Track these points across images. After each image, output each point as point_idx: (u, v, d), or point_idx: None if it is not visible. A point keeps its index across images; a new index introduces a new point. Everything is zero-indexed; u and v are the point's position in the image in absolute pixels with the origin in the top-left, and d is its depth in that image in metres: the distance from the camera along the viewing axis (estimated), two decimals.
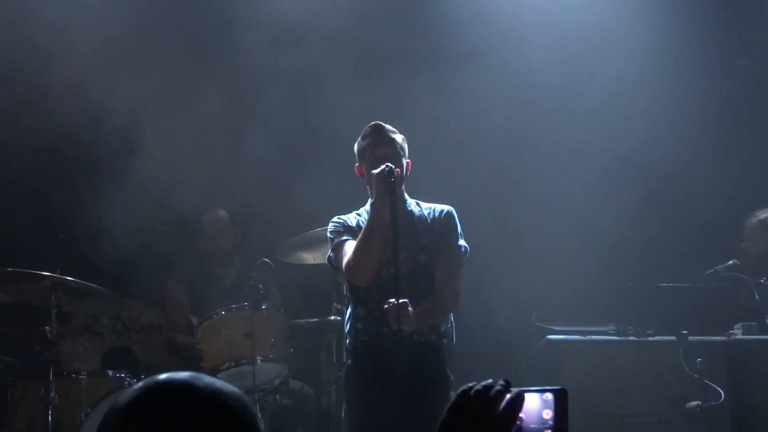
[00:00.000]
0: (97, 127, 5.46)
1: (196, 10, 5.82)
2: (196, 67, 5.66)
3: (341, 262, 3.98)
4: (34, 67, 5.19)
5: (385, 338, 3.89)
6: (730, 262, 5.52)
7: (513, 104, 5.89)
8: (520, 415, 1.55)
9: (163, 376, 1.45)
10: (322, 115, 5.62)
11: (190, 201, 5.59)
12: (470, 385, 1.57)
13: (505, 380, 1.57)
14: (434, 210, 4.14)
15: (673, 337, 5.00)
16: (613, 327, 5.19)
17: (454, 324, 4.11)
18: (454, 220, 4.11)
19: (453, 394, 3.85)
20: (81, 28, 5.10)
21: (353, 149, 4.11)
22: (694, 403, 4.87)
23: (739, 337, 5.12)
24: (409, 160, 4.08)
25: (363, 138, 4.05)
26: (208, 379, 1.44)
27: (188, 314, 5.49)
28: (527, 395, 1.57)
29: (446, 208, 4.14)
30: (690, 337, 4.99)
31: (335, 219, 4.15)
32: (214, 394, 1.42)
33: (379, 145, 3.97)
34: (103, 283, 4.94)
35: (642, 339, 5.11)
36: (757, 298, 5.34)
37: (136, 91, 5.32)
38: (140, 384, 1.44)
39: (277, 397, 5.12)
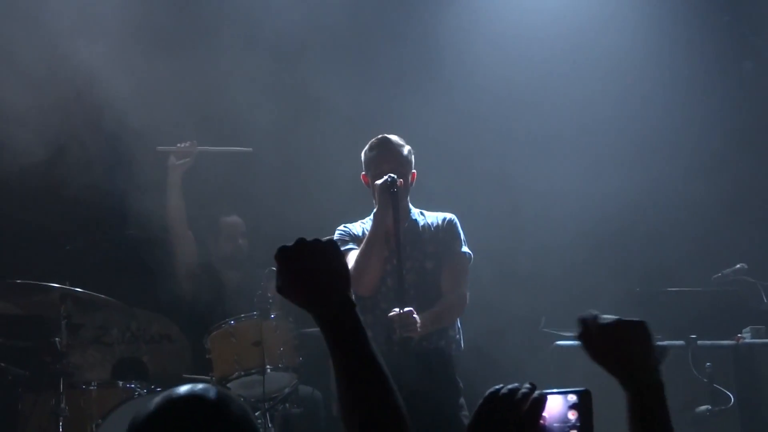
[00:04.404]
0: (100, 133, 5.44)
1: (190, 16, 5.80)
2: (200, 71, 5.67)
3: None
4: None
5: (393, 345, 3.90)
6: (738, 265, 5.50)
7: (514, 102, 5.90)
8: (544, 415, 1.60)
9: (182, 389, 1.62)
10: (328, 122, 5.64)
11: (198, 210, 5.61)
12: (497, 387, 1.61)
13: (530, 383, 1.62)
14: (437, 218, 4.18)
15: (681, 342, 4.99)
16: None
17: (461, 330, 4.12)
18: (457, 227, 4.14)
19: (462, 401, 3.88)
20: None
21: (360, 157, 4.13)
22: (704, 407, 4.85)
23: (747, 340, 5.10)
24: (415, 171, 4.10)
25: (370, 149, 4.08)
26: (215, 391, 1.63)
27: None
28: (551, 397, 1.61)
29: (448, 215, 4.17)
30: (699, 342, 4.97)
31: (341, 227, 4.19)
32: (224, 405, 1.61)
33: (385, 158, 4.01)
34: (111, 293, 4.95)
35: None
36: (766, 301, 5.33)
37: (138, 97, 5.32)
38: (159, 398, 1.60)
39: (287, 405, 5.12)
